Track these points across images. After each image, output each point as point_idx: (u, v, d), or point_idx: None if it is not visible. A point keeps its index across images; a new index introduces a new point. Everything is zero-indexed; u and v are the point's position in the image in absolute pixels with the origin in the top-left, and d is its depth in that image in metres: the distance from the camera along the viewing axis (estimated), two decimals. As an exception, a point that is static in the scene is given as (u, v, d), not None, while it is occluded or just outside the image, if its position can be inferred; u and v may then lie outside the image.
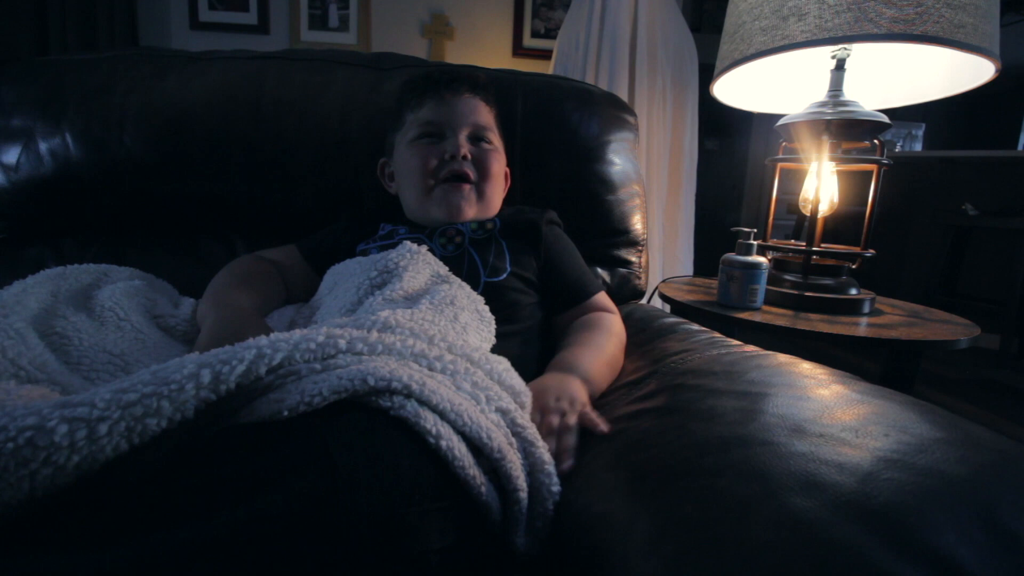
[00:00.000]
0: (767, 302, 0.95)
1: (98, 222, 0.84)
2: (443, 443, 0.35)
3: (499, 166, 0.71)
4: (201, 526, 0.26)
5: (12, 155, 0.79)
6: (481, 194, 0.68)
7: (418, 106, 0.69)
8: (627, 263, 0.91)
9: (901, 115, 1.52)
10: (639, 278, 0.92)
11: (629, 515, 0.33)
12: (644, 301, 0.95)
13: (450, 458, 0.35)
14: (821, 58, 0.96)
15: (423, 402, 0.36)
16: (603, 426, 0.45)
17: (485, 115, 0.71)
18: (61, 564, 0.24)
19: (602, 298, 0.71)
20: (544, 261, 0.69)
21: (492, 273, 0.63)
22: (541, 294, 0.68)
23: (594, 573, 0.33)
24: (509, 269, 0.65)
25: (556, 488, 0.40)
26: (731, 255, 0.92)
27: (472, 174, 0.67)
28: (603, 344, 0.60)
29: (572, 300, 0.69)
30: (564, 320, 0.68)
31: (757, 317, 0.88)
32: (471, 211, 0.67)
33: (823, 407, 0.37)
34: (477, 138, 0.69)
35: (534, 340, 0.65)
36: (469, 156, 0.67)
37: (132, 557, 0.24)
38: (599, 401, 0.54)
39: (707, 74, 1.11)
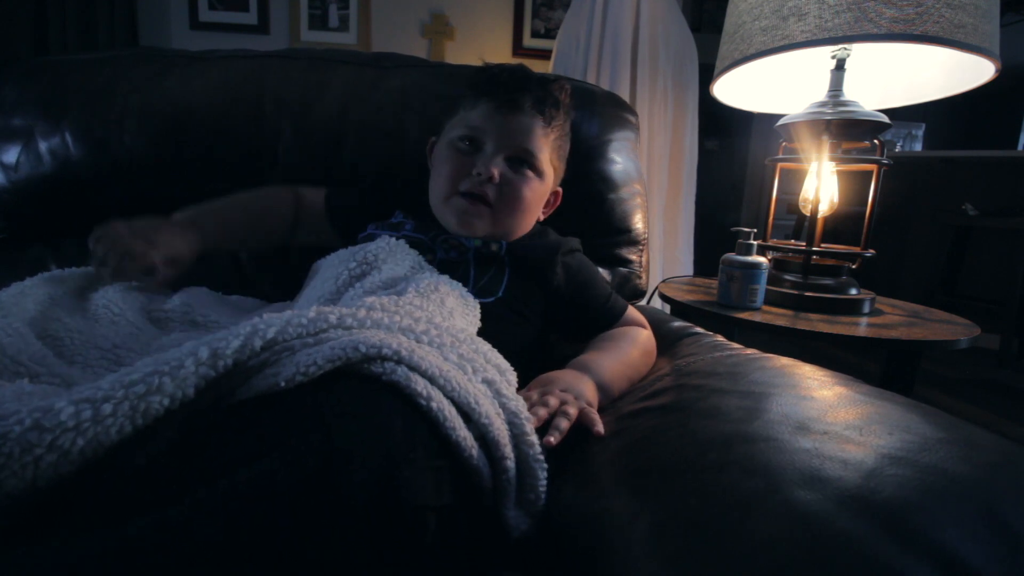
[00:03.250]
0: (767, 302, 0.95)
1: (98, 222, 0.83)
2: (434, 404, 0.36)
3: (532, 194, 0.65)
4: (203, 493, 0.26)
5: (12, 155, 0.79)
6: (496, 222, 0.64)
7: (472, 106, 0.64)
8: (627, 262, 0.91)
9: (901, 115, 1.52)
10: (639, 278, 0.92)
11: (631, 511, 0.33)
12: (644, 301, 0.95)
13: (441, 419, 0.36)
14: (821, 58, 0.96)
15: (413, 368, 0.37)
16: (599, 427, 0.44)
17: (538, 139, 0.64)
18: (55, 549, 0.24)
19: (631, 314, 0.68)
20: (564, 295, 0.65)
21: (480, 293, 0.59)
22: (538, 324, 0.65)
23: (596, 569, 0.33)
24: (500, 295, 0.61)
25: (541, 458, 0.41)
26: (731, 255, 0.92)
27: (492, 197, 0.62)
28: (627, 352, 0.59)
29: (601, 327, 0.66)
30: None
31: (757, 317, 0.88)
32: (483, 230, 0.63)
33: (826, 406, 0.37)
34: (520, 160, 0.63)
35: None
36: (497, 179, 0.61)
37: (131, 536, 0.25)
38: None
39: (707, 74, 1.11)
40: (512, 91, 0.62)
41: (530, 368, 0.59)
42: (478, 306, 0.55)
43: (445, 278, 0.55)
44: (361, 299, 0.48)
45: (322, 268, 0.60)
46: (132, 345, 0.51)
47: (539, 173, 0.65)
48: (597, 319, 0.66)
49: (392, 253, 0.57)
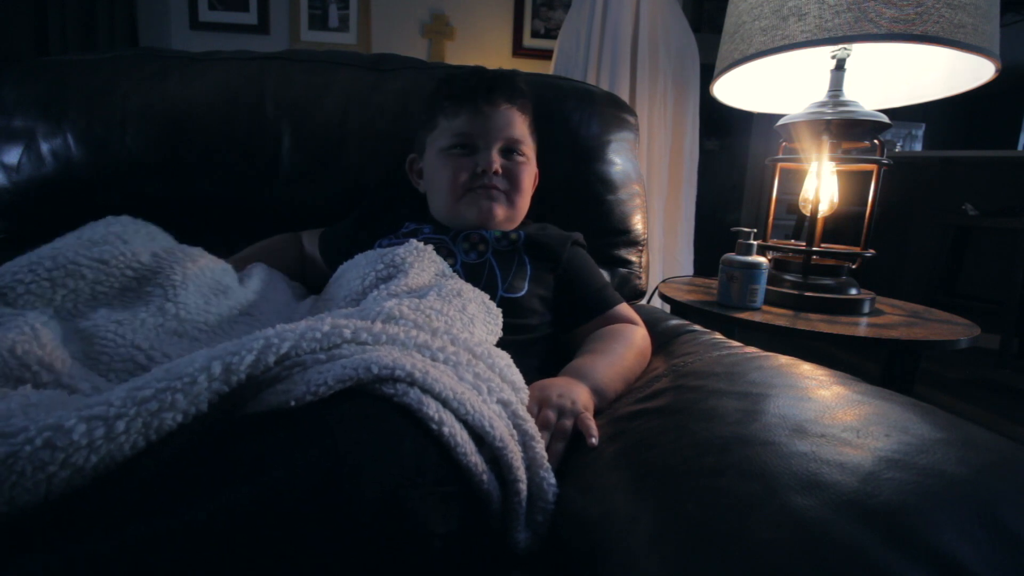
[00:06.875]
0: (767, 302, 0.95)
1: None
2: (445, 429, 0.36)
3: (529, 178, 0.72)
4: (205, 505, 0.26)
5: (14, 155, 0.79)
6: (511, 203, 0.70)
7: (453, 115, 0.68)
8: (627, 263, 0.91)
9: (901, 115, 1.52)
10: (639, 278, 0.92)
11: (630, 514, 0.33)
12: (644, 301, 0.95)
13: (452, 444, 0.36)
14: (821, 58, 0.96)
15: (426, 390, 0.36)
16: (594, 438, 0.44)
17: (519, 126, 0.70)
18: (56, 554, 0.24)
19: (624, 310, 0.69)
20: (563, 276, 0.69)
21: (510, 289, 0.64)
22: (554, 312, 0.68)
23: (595, 572, 0.33)
24: (527, 288, 0.65)
25: (553, 482, 0.40)
26: (731, 255, 0.92)
27: (502, 186, 0.68)
28: (620, 353, 0.59)
29: (591, 312, 0.68)
30: (584, 332, 0.67)
31: (757, 317, 0.88)
32: (501, 214, 0.68)
33: (824, 408, 0.37)
34: (509, 150, 0.70)
35: (534, 354, 0.64)
36: (500, 171, 0.67)
37: (130, 543, 0.24)
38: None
39: (707, 74, 1.11)
40: (488, 92, 0.68)
41: (548, 355, 0.66)
42: (500, 314, 0.55)
43: (469, 285, 0.55)
44: (383, 301, 0.47)
45: (348, 268, 0.60)
46: (167, 348, 0.46)
47: (526, 156, 0.72)
48: (591, 301, 0.69)
49: (419, 258, 0.57)
